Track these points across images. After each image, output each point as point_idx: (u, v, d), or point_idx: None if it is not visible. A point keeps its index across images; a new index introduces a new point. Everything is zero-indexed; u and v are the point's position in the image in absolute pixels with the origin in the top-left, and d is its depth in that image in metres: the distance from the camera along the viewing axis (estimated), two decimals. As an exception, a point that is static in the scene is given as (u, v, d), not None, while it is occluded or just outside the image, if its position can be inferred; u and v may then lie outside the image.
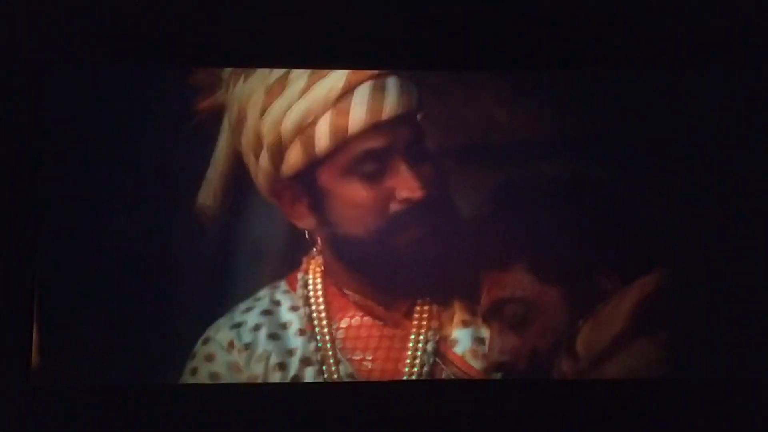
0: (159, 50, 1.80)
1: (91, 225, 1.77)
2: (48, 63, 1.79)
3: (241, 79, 1.73)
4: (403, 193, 1.66)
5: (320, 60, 1.72)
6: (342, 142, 1.66)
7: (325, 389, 1.74)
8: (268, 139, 1.67)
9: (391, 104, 1.67)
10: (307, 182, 1.69)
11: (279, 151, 1.67)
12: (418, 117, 1.72)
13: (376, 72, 1.68)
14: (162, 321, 1.75)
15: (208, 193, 1.74)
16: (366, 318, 1.73)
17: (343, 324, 1.73)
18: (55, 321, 1.74)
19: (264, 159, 1.68)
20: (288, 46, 1.79)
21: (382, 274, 1.72)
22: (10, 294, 1.74)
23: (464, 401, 1.76)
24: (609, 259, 1.75)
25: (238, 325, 1.73)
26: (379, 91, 1.68)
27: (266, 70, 1.72)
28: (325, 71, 1.69)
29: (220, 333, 1.73)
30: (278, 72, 1.71)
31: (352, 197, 1.67)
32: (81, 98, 1.80)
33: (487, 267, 1.74)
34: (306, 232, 1.74)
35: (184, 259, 1.76)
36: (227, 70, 1.76)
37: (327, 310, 1.73)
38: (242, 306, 1.75)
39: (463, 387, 1.76)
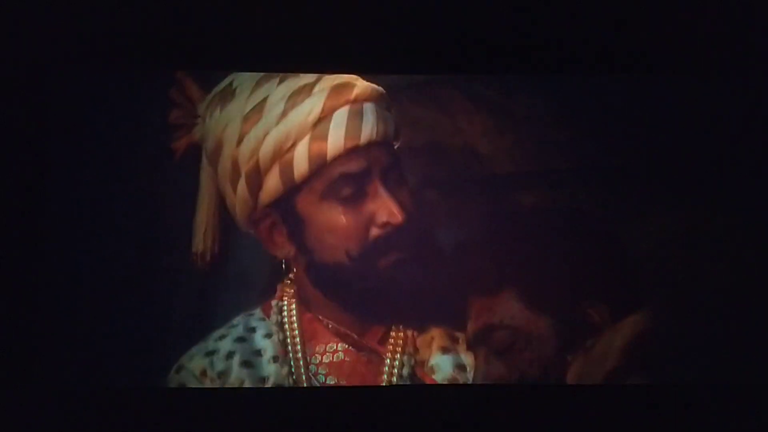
0: (158, 54, 1.83)
1: (86, 234, 1.78)
2: (48, 66, 1.81)
3: (218, 109, 1.72)
4: (383, 217, 1.65)
5: (309, 64, 1.75)
6: (320, 166, 1.65)
7: (312, 394, 1.74)
8: (245, 166, 1.66)
9: (368, 129, 1.66)
10: (285, 210, 1.67)
11: (257, 179, 1.66)
12: (396, 145, 1.72)
13: (352, 97, 1.68)
14: (149, 332, 1.76)
15: (199, 239, 1.74)
16: (341, 344, 1.71)
17: (318, 350, 1.71)
18: (52, 328, 1.76)
19: (242, 187, 1.67)
20: (281, 50, 1.82)
21: (358, 301, 1.71)
22: (11, 298, 1.75)
23: (449, 407, 1.77)
24: (599, 291, 1.74)
25: (211, 353, 1.71)
26: (356, 116, 1.67)
27: (242, 99, 1.70)
28: (302, 98, 1.68)
29: (193, 361, 1.71)
30: (255, 99, 1.69)
31: (331, 222, 1.66)
32: (80, 102, 1.81)
33: (475, 293, 1.73)
34: (283, 261, 1.73)
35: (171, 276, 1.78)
36: (205, 104, 1.75)
37: (301, 336, 1.71)
38: (216, 334, 1.73)
39: (449, 392, 1.75)
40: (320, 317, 1.71)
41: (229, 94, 1.72)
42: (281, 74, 1.72)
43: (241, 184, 1.67)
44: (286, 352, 1.70)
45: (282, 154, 1.65)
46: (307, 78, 1.71)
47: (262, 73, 1.73)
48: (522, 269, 1.74)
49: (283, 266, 1.73)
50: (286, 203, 1.67)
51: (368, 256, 1.67)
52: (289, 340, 1.71)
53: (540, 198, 1.81)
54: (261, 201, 1.67)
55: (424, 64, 1.86)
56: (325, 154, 1.65)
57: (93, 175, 1.80)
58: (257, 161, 1.65)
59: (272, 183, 1.65)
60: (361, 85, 1.70)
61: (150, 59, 1.84)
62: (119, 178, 1.80)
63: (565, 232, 1.79)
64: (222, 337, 1.72)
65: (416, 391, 1.74)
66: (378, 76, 1.75)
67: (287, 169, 1.65)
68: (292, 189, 1.66)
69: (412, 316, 1.74)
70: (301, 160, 1.65)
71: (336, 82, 1.70)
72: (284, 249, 1.70)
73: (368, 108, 1.69)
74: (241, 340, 1.71)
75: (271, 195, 1.66)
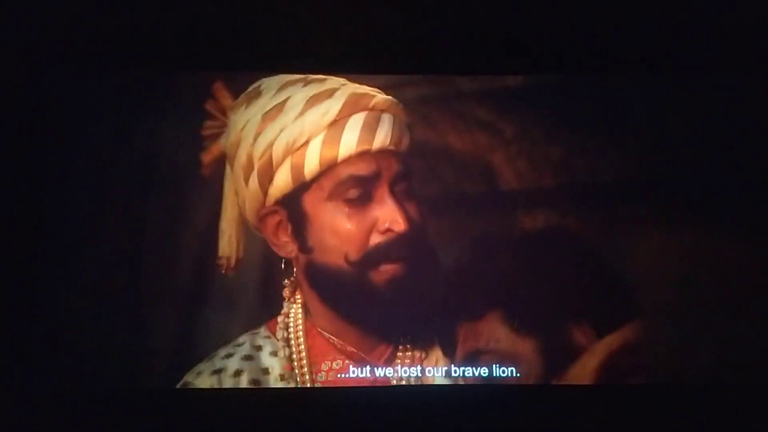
0: (162, 55, 1.86)
1: (84, 235, 1.81)
2: (51, 67, 1.84)
3: (242, 108, 1.76)
4: (386, 224, 1.66)
5: (322, 65, 1.81)
6: (330, 165, 1.68)
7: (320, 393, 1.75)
8: (259, 160, 1.69)
9: (382, 137, 1.69)
10: (292, 207, 1.70)
11: (268, 173, 1.69)
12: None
13: (370, 105, 1.72)
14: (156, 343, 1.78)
15: (224, 243, 1.76)
16: (347, 362, 1.72)
17: (324, 367, 1.72)
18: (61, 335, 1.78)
19: (253, 181, 1.70)
20: (289, 51, 1.87)
21: (353, 307, 1.71)
22: (10, 298, 1.77)
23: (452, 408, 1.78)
24: (584, 312, 1.76)
25: (218, 371, 1.72)
26: (372, 123, 1.70)
27: (266, 99, 1.75)
28: (321, 99, 1.72)
29: (200, 379, 1.72)
30: (277, 99, 1.73)
31: (334, 223, 1.68)
32: (82, 102, 1.84)
33: (463, 317, 1.75)
34: (283, 261, 1.74)
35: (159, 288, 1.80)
36: (233, 108, 1.79)
37: (307, 351, 1.72)
38: (222, 352, 1.74)
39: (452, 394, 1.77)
40: (324, 333, 1.72)
41: (254, 95, 1.77)
42: (307, 78, 1.77)
43: (253, 178, 1.69)
44: (292, 368, 1.71)
45: (295, 150, 1.68)
46: (332, 83, 1.76)
47: (289, 77, 1.78)
48: (507, 291, 1.76)
49: (283, 266, 1.74)
50: (293, 200, 1.69)
51: (366, 263, 1.67)
52: (295, 356, 1.72)
53: (530, 217, 1.82)
54: (270, 196, 1.69)
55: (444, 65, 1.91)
56: (337, 155, 1.68)
57: (98, 169, 1.83)
58: (270, 155, 1.68)
59: (283, 178, 1.68)
60: (382, 96, 1.75)
61: (182, 63, 1.89)
62: (132, 184, 1.84)
63: (551, 251, 1.80)
64: (229, 356, 1.73)
65: (420, 392, 1.75)
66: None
67: (298, 166, 1.68)
68: (301, 186, 1.69)
69: (413, 334, 1.75)
70: (312, 157, 1.68)
71: (358, 90, 1.75)
72: (287, 247, 1.72)
73: (386, 117, 1.72)
74: (248, 358, 1.72)
75: (281, 190, 1.69)
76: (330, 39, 1.89)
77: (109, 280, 1.79)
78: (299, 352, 1.72)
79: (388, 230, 1.67)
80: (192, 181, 1.81)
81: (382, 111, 1.72)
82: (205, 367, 1.73)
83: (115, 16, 1.85)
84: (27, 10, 1.83)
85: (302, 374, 1.72)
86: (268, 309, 1.77)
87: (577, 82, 1.90)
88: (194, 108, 1.81)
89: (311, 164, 1.68)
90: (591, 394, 1.76)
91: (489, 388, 1.75)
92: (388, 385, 1.73)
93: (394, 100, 1.75)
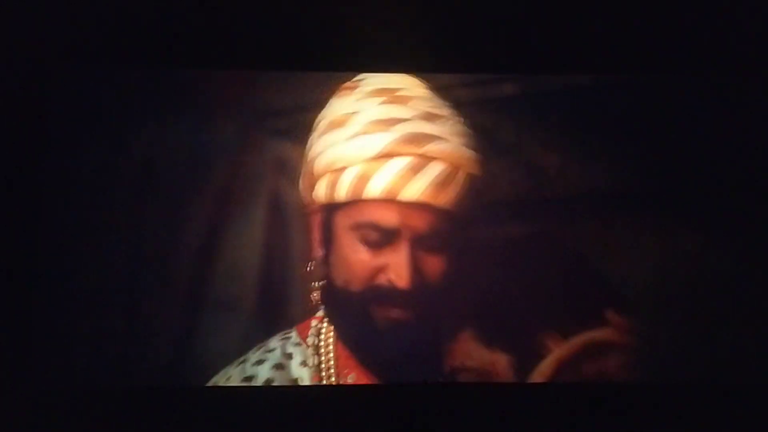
0: (159, 52, 1.85)
1: (84, 231, 1.81)
2: (49, 64, 1.83)
3: (334, 98, 1.78)
4: (391, 275, 1.68)
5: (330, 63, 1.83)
6: (355, 200, 1.71)
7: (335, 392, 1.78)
8: (307, 163, 1.74)
9: (415, 188, 1.69)
10: (326, 218, 1.73)
11: (311, 179, 1.74)
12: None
13: (420, 151, 1.70)
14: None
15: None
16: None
17: (350, 380, 1.75)
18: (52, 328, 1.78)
19: (301, 179, 1.77)
20: (282, 49, 1.88)
21: (360, 334, 1.75)
22: (10, 296, 1.77)
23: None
24: (553, 319, 1.78)
25: (248, 379, 1.74)
26: (412, 170, 1.69)
27: (347, 101, 1.76)
28: (378, 128, 1.71)
29: (230, 384, 1.74)
30: (351, 108, 1.75)
31: (349, 254, 1.71)
32: (80, 101, 1.84)
33: (442, 338, 1.78)
34: (310, 263, 1.77)
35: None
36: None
37: (336, 362, 1.74)
38: (253, 357, 1.75)
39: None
40: (347, 345, 1.74)
41: (348, 88, 1.78)
42: (388, 96, 1.75)
43: (302, 176, 1.77)
44: (320, 378, 1.73)
45: (332, 170, 1.71)
46: (402, 111, 1.73)
47: (383, 83, 1.78)
48: (479, 307, 1.78)
49: (309, 268, 1.77)
50: (329, 213, 1.73)
51: (366, 297, 1.70)
52: (323, 365, 1.74)
53: (525, 226, 1.83)
54: (314, 199, 1.74)
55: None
56: (362, 193, 1.70)
57: (97, 166, 1.83)
58: (313, 165, 1.73)
59: (321, 189, 1.73)
60: (440, 144, 1.70)
61: (159, 58, 1.87)
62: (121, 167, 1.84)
63: (544, 260, 1.82)
64: (260, 362, 1.74)
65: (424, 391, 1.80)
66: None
67: (333, 186, 1.71)
68: (334, 205, 1.72)
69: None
70: (343, 184, 1.70)
71: (419, 130, 1.71)
72: (318, 251, 1.75)
73: (433, 167, 1.70)
74: (279, 367, 1.73)
75: (320, 198, 1.73)
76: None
77: (108, 279, 1.79)
78: (327, 360, 1.74)
79: (392, 281, 1.68)
80: (192, 181, 1.83)
81: (433, 159, 1.69)
82: (234, 372, 1.74)
83: (114, 14, 1.84)
84: (26, 9, 1.81)
85: (329, 383, 1.74)
86: (278, 312, 1.78)
87: (573, 88, 1.90)
88: (194, 107, 1.84)
89: (341, 190, 1.70)
90: (588, 394, 1.79)
91: (486, 386, 1.78)
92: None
93: (464, 151, 1.72)
